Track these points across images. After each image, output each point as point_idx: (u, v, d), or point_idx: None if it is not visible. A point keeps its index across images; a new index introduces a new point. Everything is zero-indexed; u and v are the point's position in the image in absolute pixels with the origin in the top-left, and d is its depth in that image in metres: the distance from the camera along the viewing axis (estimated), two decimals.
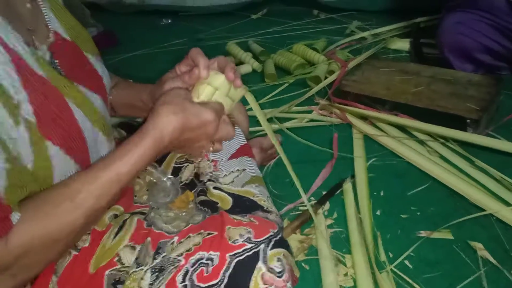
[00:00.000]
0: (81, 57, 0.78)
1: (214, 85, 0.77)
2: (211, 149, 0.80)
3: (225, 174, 0.98)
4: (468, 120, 1.50)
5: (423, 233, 1.17)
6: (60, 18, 0.77)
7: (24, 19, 0.67)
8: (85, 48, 0.81)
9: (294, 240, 1.16)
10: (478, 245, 1.12)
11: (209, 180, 0.95)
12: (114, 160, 0.66)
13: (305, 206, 1.29)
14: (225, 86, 0.78)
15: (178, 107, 0.71)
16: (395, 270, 1.07)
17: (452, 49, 1.87)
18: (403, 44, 2.29)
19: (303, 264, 1.11)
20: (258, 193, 0.92)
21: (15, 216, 0.56)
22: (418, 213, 1.25)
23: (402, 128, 1.59)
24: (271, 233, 0.72)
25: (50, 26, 0.73)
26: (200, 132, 0.74)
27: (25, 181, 0.58)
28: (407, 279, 1.04)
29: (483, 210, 1.20)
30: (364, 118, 1.66)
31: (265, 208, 0.87)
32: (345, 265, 1.09)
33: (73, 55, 0.76)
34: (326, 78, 1.94)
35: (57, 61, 0.70)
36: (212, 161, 0.99)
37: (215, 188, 0.92)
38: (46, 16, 0.73)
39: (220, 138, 0.80)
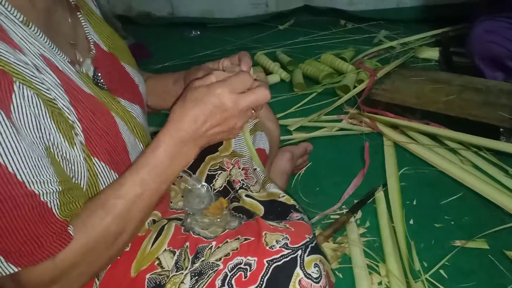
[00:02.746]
0: (119, 68, 0.81)
1: None
2: (255, 114, 0.75)
3: (256, 181, 0.99)
4: (501, 129, 1.48)
5: (457, 243, 1.16)
6: (98, 30, 0.80)
7: (67, 34, 0.70)
8: (122, 58, 0.83)
9: (326, 248, 1.17)
10: None
11: (240, 188, 0.96)
12: (135, 163, 0.67)
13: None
14: None
15: (191, 97, 0.68)
16: (430, 279, 1.06)
17: (483, 58, 1.85)
18: (432, 53, 2.27)
19: (336, 273, 1.11)
20: (281, 192, 0.93)
21: (72, 229, 0.58)
22: (452, 223, 1.24)
23: (433, 137, 1.57)
24: (307, 239, 0.72)
25: (89, 39, 0.75)
26: (223, 111, 0.68)
27: (77, 196, 0.61)
28: None
29: None
30: (394, 127, 1.65)
31: (296, 207, 0.88)
32: (379, 273, 1.09)
33: (112, 67, 0.78)
34: (355, 87, 1.95)
35: (100, 74, 0.72)
36: (243, 169, 1.00)
37: (247, 196, 0.93)
38: (86, 29, 0.75)
39: (255, 103, 0.71)
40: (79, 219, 0.60)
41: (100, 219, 0.61)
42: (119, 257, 0.73)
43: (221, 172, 0.99)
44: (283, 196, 0.91)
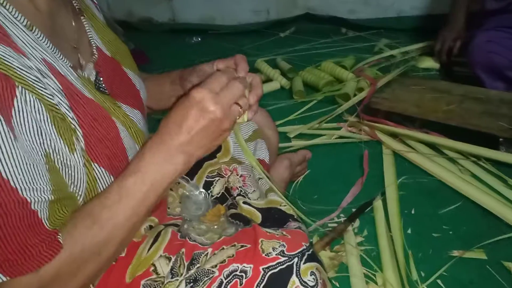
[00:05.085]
0: (121, 73, 0.81)
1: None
2: (241, 110, 0.71)
3: (254, 190, 0.99)
4: (500, 139, 1.48)
5: (455, 253, 1.15)
6: (101, 35, 0.80)
7: (70, 38, 0.70)
8: (124, 63, 0.83)
9: (324, 257, 1.16)
10: None
11: (238, 194, 0.96)
12: (122, 171, 0.66)
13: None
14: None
15: (175, 109, 0.68)
16: None
17: (484, 67, 1.85)
18: (433, 63, 2.28)
19: (333, 281, 1.10)
20: (283, 201, 0.92)
21: (61, 237, 0.57)
22: (450, 232, 1.23)
23: (433, 146, 1.57)
24: (304, 247, 0.72)
25: (92, 43, 0.75)
26: (201, 114, 0.66)
27: (68, 205, 0.59)
28: None
29: None
30: (394, 135, 1.65)
31: (295, 217, 0.87)
32: (376, 283, 1.08)
33: (114, 72, 0.78)
34: (355, 95, 1.94)
35: (101, 79, 0.72)
36: (241, 176, 1.00)
37: (244, 203, 0.93)
38: (89, 33, 0.75)
39: (233, 97, 0.69)
40: (65, 229, 0.58)
41: (85, 228, 0.59)
42: (114, 263, 0.73)
43: (219, 179, 0.99)
44: (285, 205, 0.92)
